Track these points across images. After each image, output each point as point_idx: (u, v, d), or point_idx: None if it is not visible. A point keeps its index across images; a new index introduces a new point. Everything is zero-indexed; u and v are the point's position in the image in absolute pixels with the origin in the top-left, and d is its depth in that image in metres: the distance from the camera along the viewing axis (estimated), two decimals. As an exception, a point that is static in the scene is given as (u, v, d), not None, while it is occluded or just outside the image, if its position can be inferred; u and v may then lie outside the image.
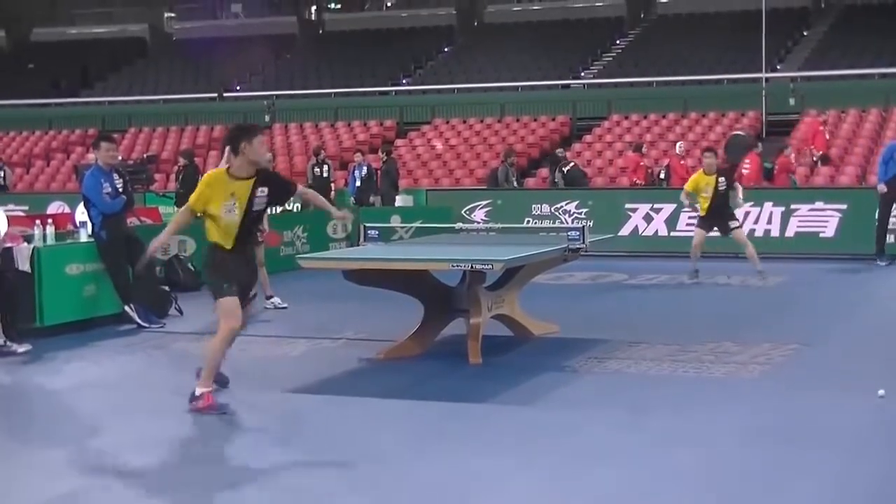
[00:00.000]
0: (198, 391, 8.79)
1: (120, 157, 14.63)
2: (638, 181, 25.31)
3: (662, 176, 25.64)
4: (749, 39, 33.01)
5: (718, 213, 16.37)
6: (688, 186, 16.78)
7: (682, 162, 25.76)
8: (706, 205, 16.34)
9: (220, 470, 7.38)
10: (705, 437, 7.79)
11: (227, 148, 9.20)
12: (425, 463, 7.40)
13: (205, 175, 9.35)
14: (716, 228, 16.52)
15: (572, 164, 24.66)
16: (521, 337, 11.68)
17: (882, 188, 18.36)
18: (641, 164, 25.69)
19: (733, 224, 16.51)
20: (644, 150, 26.64)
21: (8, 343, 11.22)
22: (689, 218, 20.44)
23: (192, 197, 8.96)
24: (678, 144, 26.98)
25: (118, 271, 13.08)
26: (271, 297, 14.41)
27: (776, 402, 8.82)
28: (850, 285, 16.66)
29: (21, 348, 11.33)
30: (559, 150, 26.68)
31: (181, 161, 22.71)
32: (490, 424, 8.31)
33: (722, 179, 16.23)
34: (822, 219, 19.84)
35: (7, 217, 12.84)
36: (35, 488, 6.95)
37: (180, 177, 22.32)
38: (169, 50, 47.35)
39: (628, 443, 7.70)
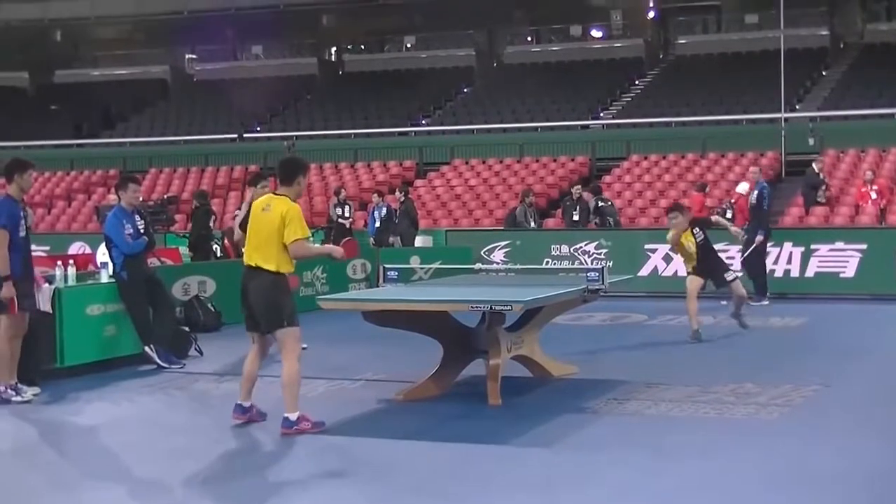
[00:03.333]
0: (293, 417, 9.25)
1: (141, 198, 14.71)
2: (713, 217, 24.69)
3: (729, 216, 25.23)
4: (767, 79, 32.98)
5: (709, 264, 15.43)
6: (674, 251, 16.38)
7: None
8: (693, 263, 15.53)
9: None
10: (727, 481, 7.76)
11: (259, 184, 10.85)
12: (445, 505, 7.40)
13: (294, 205, 9.58)
14: (710, 281, 15.91)
15: (609, 202, 24.50)
16: (541, 378, 11.66)
17: None
18: (706, 203, 25.29)
19: (730, 276, 15.43)
20: (708, 189, 26.21)
21: (19, 385, 11.19)
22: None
23: (303, 226, 9.47)
24: (741, 185, 26.77)
25: (139, 312, 13.12)
26: None
27: (797, 445, 8.77)
28: (871, 326, 16.59)
29: (31, 391, 11.22)
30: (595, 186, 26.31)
31: (194, 203, 22.79)
32: (510, 467, 8.29)
33: (697, 230, 15.34)
34: (843, 259, 19.80)
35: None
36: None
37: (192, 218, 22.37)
38: (190, 91, 47.63)
39: (650, 486, 7.67)
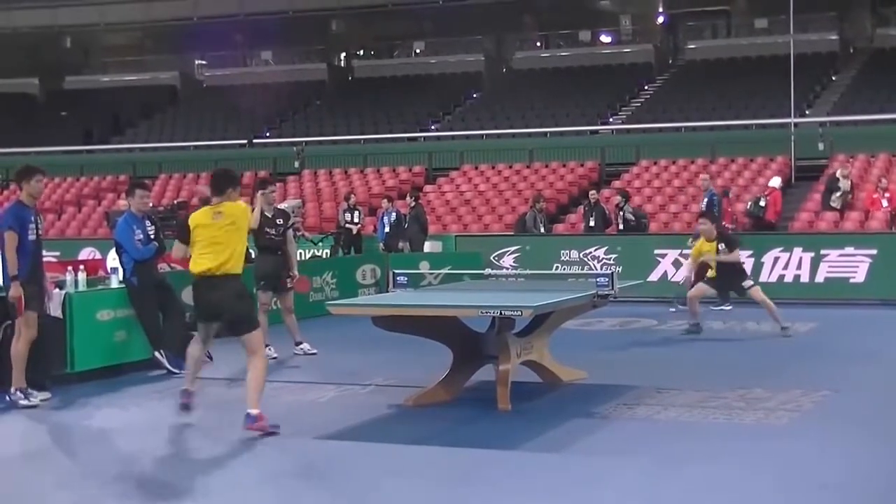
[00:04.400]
0: (254, 412, 9.45)
1: (151, 204, 14.75)
2: (726, 225, 24.50)
3: (763, 204, 25.18)
4: (777, 85, 32.94)
5: (728, 277, 15.97)
6: (693, 254, 16.66)
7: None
8: (713, 272, 16.07)
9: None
10: (736, 486, 7.75)
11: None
12: (454, 510, 7.40)
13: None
14: (732, 293, 16.30)
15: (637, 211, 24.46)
16: (550, 383, 11.67)
17: None
18: (728, 209, 24.80)
19: (747, 284, 16.01)
20: (730, 194, 25.94)
21: (29, 390, 11.21)
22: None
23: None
24: (774, 179, 26.72)
25: (149, 317, 13.15)
26: (300, 343, 14.43)
27: (806, 451, 8.77)
28: (881, 331, 16.57)
29: (40, 396, 11.27)
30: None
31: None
32: (520, 472, 8.29)
33: (722, 245, 15.87)
34: (852, 264, 19.77)
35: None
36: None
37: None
38: (199, 97, 47.67)
39: (659, 492, 7.67)
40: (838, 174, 25.94)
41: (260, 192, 13.82)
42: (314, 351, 14.47)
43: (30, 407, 11.02)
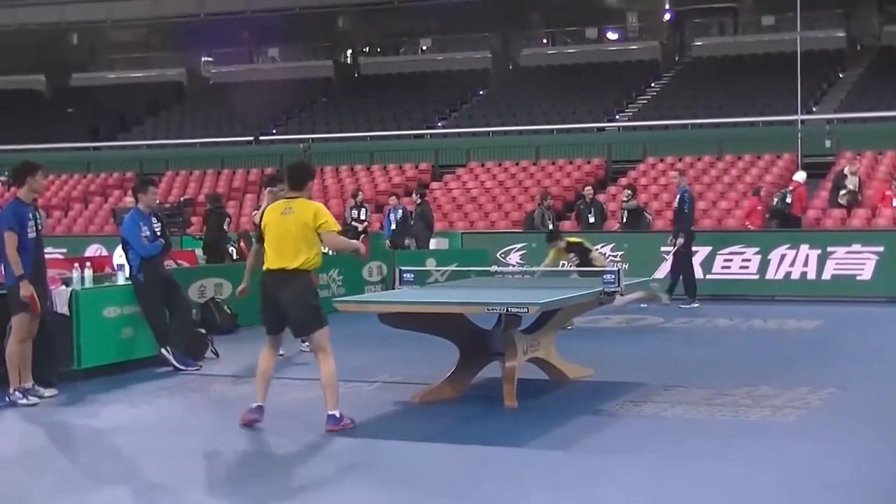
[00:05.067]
0: (338, 413, 9.47)
1: (157, 201, 14.76)
2: (751, 226, 24.36)
3: (789, 200, 25.17)
4: (784, 82, 32.94)
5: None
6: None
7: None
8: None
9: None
10: (743, 483, 7.74)
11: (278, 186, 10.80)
12: (461, 507, 7.40)
13: (320, 204, 10.00)
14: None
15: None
16: (557, 380, 11.66)
17: None
18: (758, 208, 24.95)
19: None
20: (762, 192, 25.94)
21: (36, 387, 11.22)
22: (725, 260, 20.45)
23: (335, 221, 9.73)
24: (799, 174, 26.70)
25: (155, 314, 13.16)
26: (306, 340, 14.36)
27: (812, 448, 8.76)
28: (888, 328, 16.56)
29: (47, 393, 11.28)
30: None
31: (208, 206, 22.73)
32: (526, 469, 8.29)
33: (572, 255, 16.47)
34: (859, 261, 19.74)
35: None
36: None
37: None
38: (206, 94, 47.70)
39: (665, 489, 7.66)
40: (846, 171, 25.87)
41: (268, 189, 13.81)
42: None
43: (29, 406, 10.96)
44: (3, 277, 11.24)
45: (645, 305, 18.10)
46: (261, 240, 9.94)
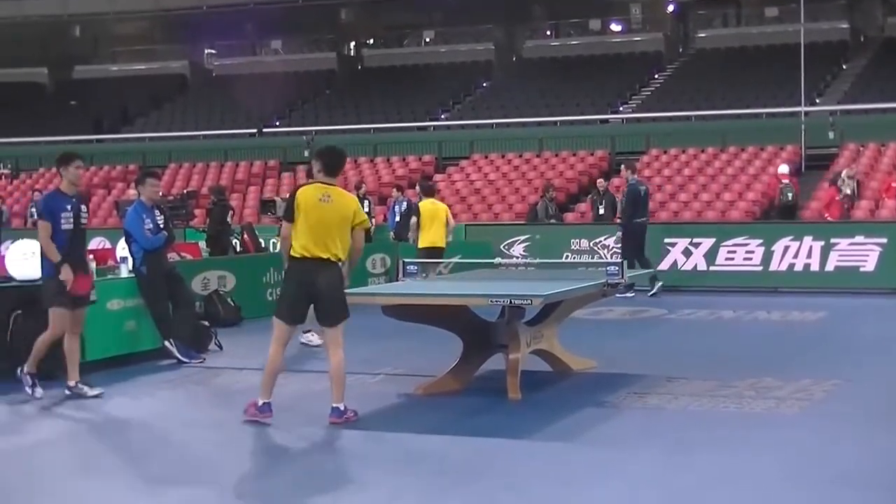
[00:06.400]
0: (342, 406, 9.44)
1: (160, 193, 14.75)
2: (830, 217, 23.51)
3: (790, 196, 25.25)
4: (787, 73, 32.91)
5: None
6: None
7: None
8: None
9: (260, 505, 7.41)
10: (747, 475, 7.74)
11: None
12: (464, 500, 7.39)
13: (355, 198, 10.07)
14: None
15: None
16: (560, 372, 11.66)
17: None
18: (837, 198, 24.27)
19: None
20: (839, 181, 25.19)
21: (79, 385, 11.05)
22: (729, 252, 20.44)
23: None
24: (784, 167, 26.86)
25: (158, 307, 13.15)
26: (309, 331, 14.33)
27: (817, 440, 8.75)
28: (891, 320, 16.54)
29: (92, 391, 11.05)
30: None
31: (211, 199, 22.70)
32: (530, 461, 8.29)
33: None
34: (863, 253, 19.72)
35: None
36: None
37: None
38: (209, 86, 47.68)
39: (670, 480, 7.66)
40: (843, 175, 25.77)
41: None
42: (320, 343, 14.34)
43: (94, 397, 10.93)
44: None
45: (631, 295, 18.14)
46: (291, 219, 9.52)
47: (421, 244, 17.31)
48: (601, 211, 23.79)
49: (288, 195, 10.29)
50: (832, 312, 16.90)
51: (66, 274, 10.69)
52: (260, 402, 9.55)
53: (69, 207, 10.91)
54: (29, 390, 11.00)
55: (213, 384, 11.93)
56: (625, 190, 20.01)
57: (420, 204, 18.00)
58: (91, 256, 13.52)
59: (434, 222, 17.47)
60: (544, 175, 31.48)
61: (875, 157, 29.21)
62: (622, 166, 21.18)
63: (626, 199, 19.82)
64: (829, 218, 23.39)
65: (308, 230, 9.41)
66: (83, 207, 11.21)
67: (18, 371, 11.13)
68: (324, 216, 9.41)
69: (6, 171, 39.76)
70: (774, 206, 26.07)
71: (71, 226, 10.91)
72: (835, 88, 36.88)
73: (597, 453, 8.50)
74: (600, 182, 25.22)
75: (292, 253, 9.48)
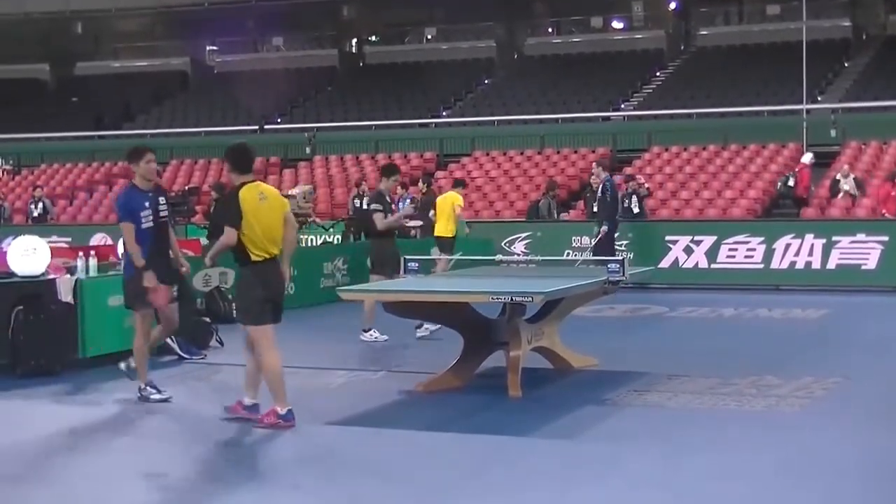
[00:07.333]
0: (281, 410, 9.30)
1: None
2: (887, 213, 22.87)
3: (791, 183, 25.22)
4: (789, 71, 32.88)
5: None
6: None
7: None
8: None
9: (261, 500, 7.40)
10: (747, 473, 7.74)
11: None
12: (465, 497, 7.39)
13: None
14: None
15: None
16: (561, 370, 11.66)
17: None
18: (893, 194, 23.26)
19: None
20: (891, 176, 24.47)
21: (148, 388, 10.72)
22: (730, 250, 20.44)
23: None
24: (806, 155, 26.96)
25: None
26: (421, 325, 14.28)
27: (817, 438, 8.76)
28: (892, 318, 16.54)
29: (157, 395, 10.67)
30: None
31: (212, 195, 22.67)
32: (531, 458, 8.29)
33: None
34: (864, 251, 19.72)
35: (50, 248, 12.97)
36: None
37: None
38: (210, 83, 47.64)
39: (671, 478, 7.66)
40: (838, 176, 25.72)
41: (387, 178, 14.45)
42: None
43: (162, 401, 10.57)
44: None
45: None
46: (238, 224, 9.35)
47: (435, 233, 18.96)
48: (595, 209, 23.76)
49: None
50: (833, 310, 16.90)
51: (150, 281, 10.25)
52: (283, 411, 9.34)
53: (147, 204, 10.43)
54: (157, 396, 10.64)
55: (214, 380, 11.95)
56: (600, 187, 19.98)
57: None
58: (92, 252, 13.55)
59: (442, 215, 18.53)
60: (546, 172, 31.48)
61: (877, 155, 29.18)
62: (594, 164, 21.36)
63: (609, 197, 19.80)
64: (886, 214, 22.84)
65: (262, 231, 9.40)
66: (161, 200, 10.66)
67: (139, 391, 10.68)
68: (268, 214, 9.47)
69: (8, 168, 39.75)
70: (778, 191, 26.17)
71: (152, 223, 10.43)
72: (837, 86, 36.84)
73: (597, 450, 8.50)
74: (594, 179, 25.18)
75: (253, 257, 9.37)
